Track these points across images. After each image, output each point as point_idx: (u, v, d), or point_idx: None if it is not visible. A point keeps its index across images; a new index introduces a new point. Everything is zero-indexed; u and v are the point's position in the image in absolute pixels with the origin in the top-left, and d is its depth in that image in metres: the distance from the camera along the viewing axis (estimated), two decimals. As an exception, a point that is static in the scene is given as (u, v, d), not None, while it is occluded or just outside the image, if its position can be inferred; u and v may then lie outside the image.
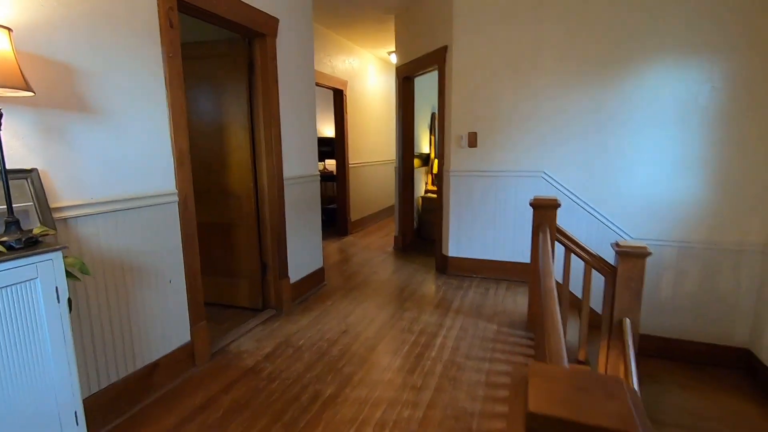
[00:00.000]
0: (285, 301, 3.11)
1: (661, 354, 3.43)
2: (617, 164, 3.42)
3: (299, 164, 3.32)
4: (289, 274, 3.20)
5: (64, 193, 1.66)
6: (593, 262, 2.52)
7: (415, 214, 5.36)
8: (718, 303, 3.30)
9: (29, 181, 1.51)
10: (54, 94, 1.62)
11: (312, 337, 2.70)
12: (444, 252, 4.10)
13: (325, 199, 6.29)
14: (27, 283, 1.29)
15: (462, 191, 3.92)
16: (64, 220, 1.65)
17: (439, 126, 4.15)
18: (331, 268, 4.26)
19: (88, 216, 1.75)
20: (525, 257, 3.63)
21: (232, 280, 3.13)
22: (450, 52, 3.81)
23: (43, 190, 1.53)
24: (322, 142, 6.73)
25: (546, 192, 3.59)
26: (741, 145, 3.11)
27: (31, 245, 1.36)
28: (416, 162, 5.28)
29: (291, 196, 3.19)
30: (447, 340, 2.65)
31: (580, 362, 2.66)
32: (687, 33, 3.10)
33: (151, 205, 2.03)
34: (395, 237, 5.12)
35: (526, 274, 3.56)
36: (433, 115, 6.28)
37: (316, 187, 3.62)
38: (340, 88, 5.50)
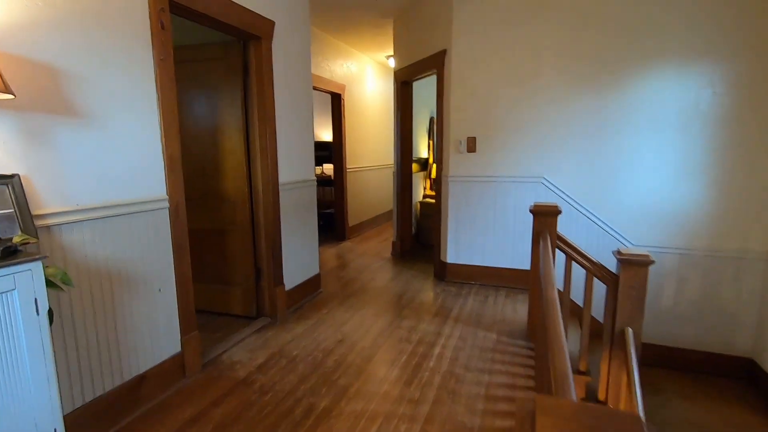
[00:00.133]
0: (279, 309, 3.04)
1: (662, 363, 3.37)
2: (618, 170, 3.38)
3: (295, 169, 3.26)
4: (284, 281, 3.13)
5: (47, 200, 1.60)
6: (595, 270, 2.47)
7: (413, 219, 5.30)
8: (720, 311, 3.25)
9: (10, 187, 1.44)
10: (38, 97, 1.56)
11: (307, 347, 2.63)
12: (442, 258, 4.04)
13: (323, 204, 6.23)
14: (4, 295, 1.23)
15: (461, 197, 3.87)
16: (48, 227, 1.59)
17: (437, 130, 4.10)
18: (328, 275, 4.20)
19: (74, 223, 1.69)
20: (524, 264, 3.57)
21: (226, 287, 3.06)
22: (449, 56, 3.77)
23: (25, 196, 1.47)
24: (320, 146, 6.70)
25: (546, 198, 3.54)
26: (743, 150, 3.07)
27: (9, 255, 1.29)
28: (414, 167, 5.23)
29: (287, 201, 3.13)
30: (445, 350, 2.58)
31: (581, 373, 2.60)
32: (688, 37, 3.07)
33: (140, 212, 1.97)
34: (393, 242, 5.06)
35: (525, 282, 3.50)
36: (431, 119, 6.24)
37: (312, 192, 3.56)
38: (338, 92, 5.45)
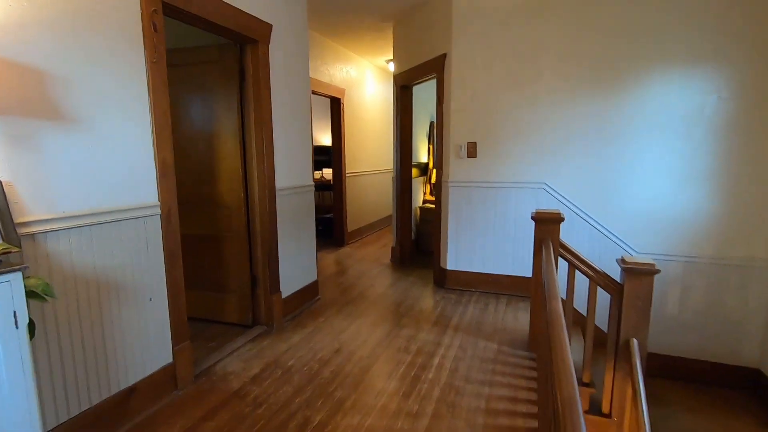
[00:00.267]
0: (276, 317, 2.98)
1: (666, 373, 3.30)
2: (621, 175, 3.32)
3: (293, 174, 3.20)
4: (281, 289, 3.07)
5: (32, 207, 1.54)
6: (598, 279, 2.40)
7: (413, 224, 5.24)
8: (726, 320, 3.18)
9: (-9, 194, 1.39)
10: (22, 100, 1.50)
11: (303, 357, 2.56)
12: (442, 265, 3.98)
13: (322, 209, 6.18)
14: (-20, 308, 1.17)
15: (461, 202, 3.81)
16: (32, 235, 1.53)
17: (437, 135, 4.05)
18: (326, 281, 4.13)
19: (60, 231, 1.63)
20: (526, 271, 3.51)
21: (221, 294, 3.00)
22: (449, 60, 3.72)
23: (7, 203, 1.41)
24: (320, 150, 6.66)
25: (547, 204, 3.48)
26: (749, 156, 3.01)
27: (-13, 265, 1.23)
28: (414, 171, 5.17)
29: (284, 207, 3.07)
30: (445, 361, 2.52)
31: (584, 384, 2.53)
32: (693, 41, 3.02)
33: (130, 219, 1.91)
34: (392, 248, 5.00)
35: (527, 289, 3.44)
36: (431, 124, 6.19)
37: (310, 197, 3.50)
38: (338, 96, 5.41)
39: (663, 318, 3.29)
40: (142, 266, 1.98)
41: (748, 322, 3.12)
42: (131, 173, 1.92)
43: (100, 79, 1.76)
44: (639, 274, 2.19)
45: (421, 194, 5.90)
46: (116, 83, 1.83)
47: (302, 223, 3.38)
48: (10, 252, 1.32)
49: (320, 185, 6.16)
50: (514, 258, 3.67)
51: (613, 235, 3.38)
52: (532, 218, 2.59)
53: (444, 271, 3.95)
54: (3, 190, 1.41)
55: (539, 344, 2.54)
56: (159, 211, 2.04)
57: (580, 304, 3.06)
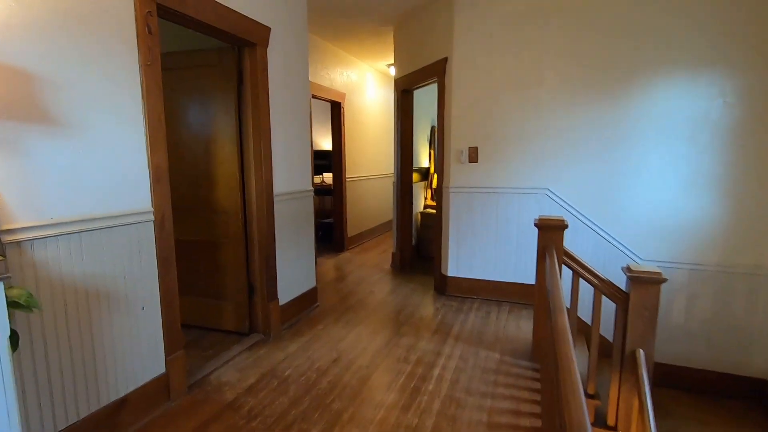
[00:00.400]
0: (273, 325, 2.91)
1: (671, 383, 3.22)
2: (625, 181, 3.26)
3: (291, 179, 3.15)
4: (279, 296, 3.01)
5: (18, 214, 1.49)
6: (603, 287, 2.34)
7: (413, 230, 5.18)
8: (733, 330, 3.11)
9: (-25, 200, 1.34)
10: (8, 104, 1.45)
11: (300, 366, 2.50)
12: (443, 271, 3.92)
13: (322, 214, 6.12)
14: (-42, 320, 1.11)
15: (462, 208, 3.75)
16: (18, 243, 1.48)
17: (438, 140, 4.00)
18: (326, 287, 4.07)
19: (48, 238, 1.57)
20: (528, 278, 3.45)
21: (217, 301, 2.94)
22: (450, 64, 3.68)
23: (-8, 210, 1.36)
24: (320, 155, 6.62)
25: (550, 210, 3.42)
26: (756, 162, 2.95)
27: (-33, 275, 1.18)
28: (415, 176, 5.12)
29: (282, 212, 3.02)
30: (446, 372, 2.45)
31: (589, 396, 2.46)
32: (699, 45, 2.97)
33: (122, 225, 1.86)
34: (393, 254, 4.94)
35: (529, 296, 3.38)
36: (432, 128, 6.15)
37: (309, 203, 3.45)
38: (338, 100, 5.37)
39: (668, 326, 3.22)
40: (135, 274, 1.93)
41: (755, 331, 3.05)
42: (124, 178, 1.87)
43: (93, 83, 1.72)
44: (645, 282, 2.14)
45: (421, 199, 5.85)
46: (109, 86, 1.78)
47: (301, 229, 3.32)
48: (-7, 261, 1.27)
49: (320, 190, 6.12)
50: (516, 265, 3.61)
51: (618, 242, 3.31)
52: (536, 225, 2.53)
53: (445, 277, 3.89)
54: (-13, 196, 1.37)
55: (543, 355, 2.48)
56: (152, 217, 1.99)
57: (585, 311, 3.00)
